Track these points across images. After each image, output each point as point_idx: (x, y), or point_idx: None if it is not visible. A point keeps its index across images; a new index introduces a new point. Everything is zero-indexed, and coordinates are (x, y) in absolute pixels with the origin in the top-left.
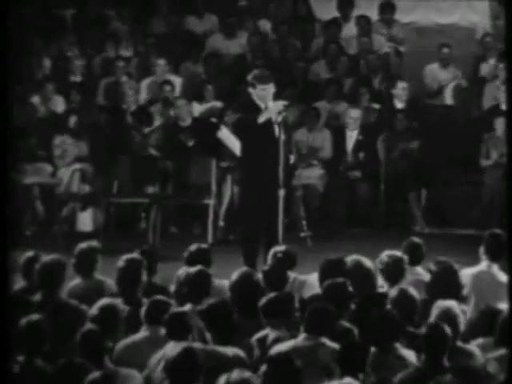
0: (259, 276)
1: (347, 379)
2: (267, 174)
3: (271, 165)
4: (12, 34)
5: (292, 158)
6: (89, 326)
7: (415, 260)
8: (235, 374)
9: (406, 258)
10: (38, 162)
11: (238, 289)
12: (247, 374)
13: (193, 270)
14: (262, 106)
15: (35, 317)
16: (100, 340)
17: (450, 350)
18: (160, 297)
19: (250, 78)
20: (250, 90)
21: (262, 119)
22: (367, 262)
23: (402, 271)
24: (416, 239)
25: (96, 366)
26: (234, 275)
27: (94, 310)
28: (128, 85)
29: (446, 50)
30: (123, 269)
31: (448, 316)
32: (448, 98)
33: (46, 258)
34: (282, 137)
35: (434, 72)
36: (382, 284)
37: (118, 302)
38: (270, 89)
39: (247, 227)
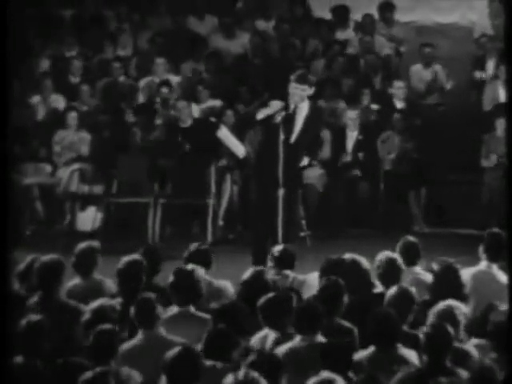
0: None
1: (325, 373)
2: (271, 173)
3: (273, 164)
4: (12, 34)
5: (306, 160)
6: (104, 325)
7: (411, 259)
8: (242, 373)
9: (400, 258)
10: (38, 161)
11: (249, 287)
12: (254, 373)
13: (175, 271)
14: (292, 103)
15: (35, 317)
16: (113, 340)
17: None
18: (145, 295)
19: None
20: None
21: (260, 116)
22: (364, 261)
23: (398, 272)
24: (411, 238)
25: (102, 366)
26: (246, 274)
27: (86, 314)
28: (126, 84)
29: (427, 50)
30: (124, 270)
31: (450, 316)
32: (439, 97)
33: (45, 257)
34: (282, 137)
35: (419, 73)
36: (378, 284)
37: (113, 302)
38: (303, 90)
39: (255, 227)
